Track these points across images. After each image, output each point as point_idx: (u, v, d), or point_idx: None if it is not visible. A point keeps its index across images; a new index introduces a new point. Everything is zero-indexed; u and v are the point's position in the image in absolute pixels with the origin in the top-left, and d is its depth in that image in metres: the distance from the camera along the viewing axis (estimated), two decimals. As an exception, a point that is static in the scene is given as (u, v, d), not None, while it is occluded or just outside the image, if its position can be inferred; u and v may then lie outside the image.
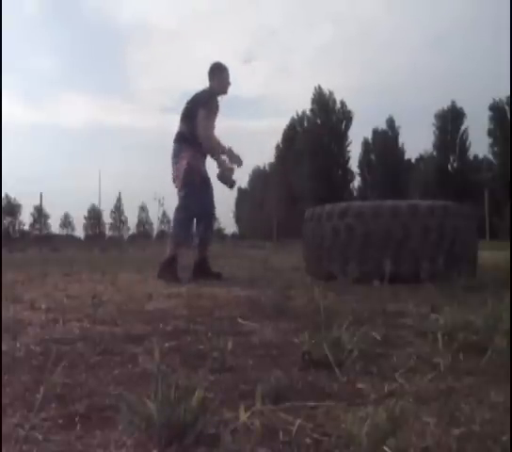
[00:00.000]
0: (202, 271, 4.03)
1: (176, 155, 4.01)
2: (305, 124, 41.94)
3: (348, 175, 41.38)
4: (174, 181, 4.01)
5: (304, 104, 41.11)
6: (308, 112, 41.71)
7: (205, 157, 4.13)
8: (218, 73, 4.14)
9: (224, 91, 4.15)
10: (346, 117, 40.77)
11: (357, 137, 47.35)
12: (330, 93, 40.81)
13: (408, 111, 63.92)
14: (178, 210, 3.99)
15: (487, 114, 36.82)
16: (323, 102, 40.74)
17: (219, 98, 4.16)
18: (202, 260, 4.11)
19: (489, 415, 0.91)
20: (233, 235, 38.19)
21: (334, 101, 40.86)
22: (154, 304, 2.47)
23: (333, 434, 0.82)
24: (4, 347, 1.46)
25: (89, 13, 72.76)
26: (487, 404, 0.97)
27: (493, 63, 51.80)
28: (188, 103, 4.10)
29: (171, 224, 4.20)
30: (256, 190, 43.19)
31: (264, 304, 2.37)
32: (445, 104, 39.08)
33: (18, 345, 1.51)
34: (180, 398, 0.82)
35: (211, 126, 4.04)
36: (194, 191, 3.94)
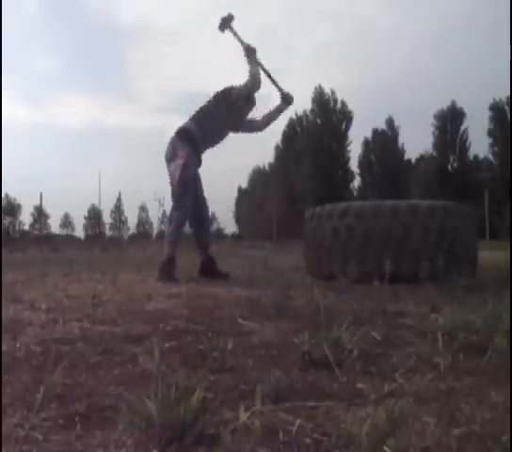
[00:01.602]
0: (209, 271, 4.03)
1: (173, 151, 3.97)
2: (305, 124, 41.93)
3: (348, 175, 41.38)
4: (171, 180, 3.96)
5: (304, 104, 41.11)
6: (308, 112, 41.74)
7: (200, 160, 4.11)
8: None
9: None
10: (346, 117, 40.76)
11: (357, 138, 47.40)
12: (332, 93, 40.84)
13: (407, 111, 63.97)
14: (174, 209, 3.98)
15: (487, 114, 36.88)
16: (323, 102, 40.73)
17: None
18: (208, 260, 4.11)
19: (489, 415, 0.91)
20: (233, 235, 38.19)
21: (335, 101, 40.86)
22: (154, 304, 2.47)
23: (333, 434, 0.82)
24: (4, 347, 1.46)
25: (90, 13, 72.92)
26: (487, 404, 0.97)
27: (493, 63, 51.84)
28: (207, 102, 4.10)
29: (167, 224, 4.17)
30: (256, 190, 43.21)
31: (264, 304, 2.37)
32: (445, 104, 39.17)
33: (18, 345, 1.51)
34: (180, 398, 0.82)
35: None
36: (189, 190, 3.93)
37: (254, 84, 3.99)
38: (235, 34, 4.08)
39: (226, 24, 4.08)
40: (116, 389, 1.08)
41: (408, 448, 0.75)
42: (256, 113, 4.25)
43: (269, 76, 4.11)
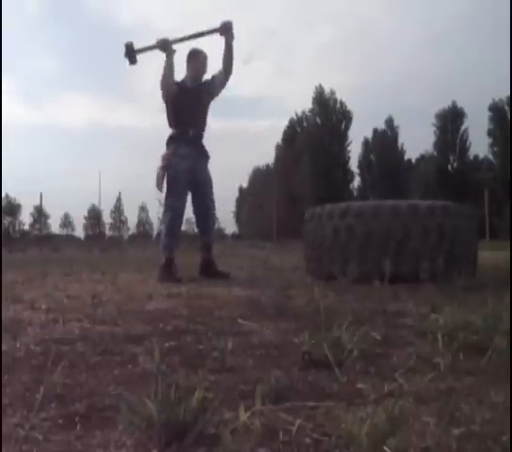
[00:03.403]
0: (209, 271, 4.02)
1: (161, 158, 3.98)
2: (305, 124, 41.95)
3: (348, 175, 41.40)
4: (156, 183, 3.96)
5: (304, 104, 41.32)
6: (308, 112, 41.77)
7: (199, 157, 4.04)
8: (192, 60, 4.07)
9: (197, 78, 4.09)
10: (346, 117, 40.79)
11: (357, 138, 47.45)
12: (331, 93, 40.86)
13: (408, 111, 63.98)
14: (164, 212, 3.98)
15: (486, 114, 36.93)
16: (323, 102, 40.75)
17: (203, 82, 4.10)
18: (208, 260, 4.10)
19: (489, 415, 0.91)
20: (233, 235, 38.19)
21: (335, 100, 40.89)
22: (154, 304, 2.47)
23: (333, 434, 0.82)
24: (4, 347, 1.46)
25: (90, 13, 72.88)
26: (487, 404, 0.97)
27: (493, 63, 51.88)
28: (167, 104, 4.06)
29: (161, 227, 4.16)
30: (256, 190, 43.17)
31: (264, 304, 2.37)
32: (445, 104, 39.20)
33: (18, 345, 1.51)
34: (180, 398, 0.82)
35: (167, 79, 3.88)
36: (176, 192, 3.90)
37: (163, 83, 3.92)
38: (145, 50, 3.92)
39: (131, 54, 3.89)
40: (116, 389, 1.08)
41: (408, 448, 0.75)
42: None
43: (195, 36, 3.89)
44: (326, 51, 68.21)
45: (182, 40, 3.92)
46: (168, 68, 3.89)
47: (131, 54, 3.88)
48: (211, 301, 2.54)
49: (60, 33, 76.09)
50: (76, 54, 76.30)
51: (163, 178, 3.86)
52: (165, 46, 3.87)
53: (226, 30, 3.91)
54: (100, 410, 0.95)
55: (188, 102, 3.98)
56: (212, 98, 4.17)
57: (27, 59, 75.07)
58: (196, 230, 4.25)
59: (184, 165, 3.90)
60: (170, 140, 4.01)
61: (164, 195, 3.92)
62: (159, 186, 3.88)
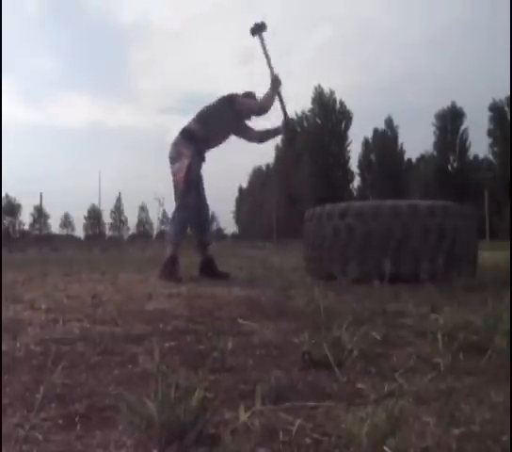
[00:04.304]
0: (209, 271, 4.02)
1: (177, 151, 3.98)
2: (305, 124, 41.93)
3: (348, 175, 41.39)
4: (174, 179, 3.97)
5: (304, 105, 41.29)
6: (308, 112, 41.74)
7: (203, 160, 4.12)
8: (248, 97, 4.20)
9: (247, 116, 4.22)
10: (346, 117, 40.78)
11: (357, 138, 47.49)
12: (331, 93, 40.84)
13: (408, 111, 63.95)
14: (177, 209, 3.98)
15: (486, 114, 36.94)
16: (323, 102, 40.73)
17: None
18: (208, 260, 4.11)
19: (489, 415, 0.91)
20: (233, 235, 38.19)
21: (334, 101, 40.87)
22: (154, 304, 2.47)
23: (333, 434, 0.82)
24: (4, 347, 1.46)
25: (90, 13, 72.92)
26: (487, 404, 0.97)
27: (492, 63, 51.91)
28: (212, 104, 4.10)
29: (170, 223, 4.18)
30: (256, 190, 43.21)
31: (264, 304, 2.37)
32: (445, 105, 39.21)
33: (18, 345, 1.51)
34: (180, 398, 0.82)
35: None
36: (192, 192, 3.95)
37: (260, 110, 4.08)
38: (262, 44, 4.09)
39: (257, 30, 4.12)
40: (116, 389, 1.08)
41: (408, 448, 0.75)
42: (255, 123, 4.31)
43: (282, 102, 4.12)
44: (326, 51, 68.29)
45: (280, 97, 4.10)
46: (273, 96, 4.02)
47: (256, 30, 4.13)
48: (211, 301, 2.54)
49: (60, 33, 76.23)
50: (76, 54, 76.43)
51: (187, 175, 3.89)
52: (274, 81, 4.03)
53: (275, 82, 4.07)
54: (100, 410, 0.95)
55: (228, 122, 4.10)
56: (237, 132, 4.28)
57: (27, 59, 75.25)
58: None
59: (199, 167, 4.04)
60: (190, 137, 3.99)
61: (180, 192, 3.93)
62: (178, 183, 3.93)
